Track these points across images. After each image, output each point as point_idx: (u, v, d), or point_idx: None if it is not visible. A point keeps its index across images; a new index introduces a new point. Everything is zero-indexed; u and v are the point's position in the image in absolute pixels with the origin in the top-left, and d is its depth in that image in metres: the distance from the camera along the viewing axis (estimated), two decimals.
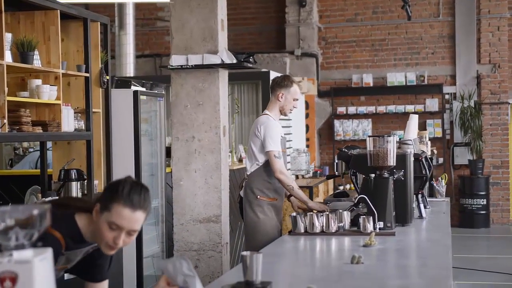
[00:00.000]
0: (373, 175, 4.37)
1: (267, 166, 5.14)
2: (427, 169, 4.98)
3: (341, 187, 12.30)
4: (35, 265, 1.71)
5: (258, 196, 5.15)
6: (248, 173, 5.27)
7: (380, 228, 4.22)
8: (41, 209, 1.76)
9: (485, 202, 12.14)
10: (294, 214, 4.35)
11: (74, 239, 2.65)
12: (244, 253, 2.73)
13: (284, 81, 5.24)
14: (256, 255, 2.73)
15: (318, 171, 10.96)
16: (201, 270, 5.64)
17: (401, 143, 5.10)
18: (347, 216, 4.32)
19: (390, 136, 4.39)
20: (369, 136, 4.42)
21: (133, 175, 6.22)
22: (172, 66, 5.87)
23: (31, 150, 8.47)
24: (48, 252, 1.78)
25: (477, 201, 12.11)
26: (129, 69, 10.50)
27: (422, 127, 12.20)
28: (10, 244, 1.74)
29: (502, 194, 12.48)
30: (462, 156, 12.46)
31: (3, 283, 1.69)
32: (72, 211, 2.69)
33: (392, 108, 12.64)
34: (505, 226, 12.40)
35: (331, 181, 11.12)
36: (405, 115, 12.44)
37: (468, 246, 10.65)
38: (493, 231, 12.03)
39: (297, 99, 5.28)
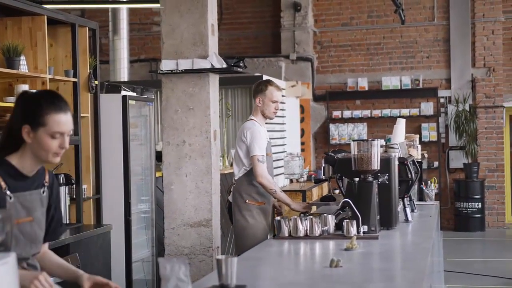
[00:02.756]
0: (357, 179, 4.38)
1: None
2: (412, 173, 4.98)
3: (337, 191, 12.30)
4: None
5: (247, 201, 5.22)
6: (236, 178, 5.34)
7: (364, 232, 4.23)
8: (3, 214, 1.78)
9: (480, 206, 12.14)
10: (278, 218, 4.37)
11: (14, 176, 2.67)
12: (219, 257, 2.75)
13: (259, 86, 5.39)
14: (231, 259, 2.75)
15: (313, 175, 10.97)
16: (192, 274, 5.64)
17: (387, 147, 5.12)
18: (331, 220, 4.32)
19: (374, 140, 4.40)
20: (354, 140, 4.44)
21: (122, 180, 6.28)
22: (162, 70, 5.89)
23: None
24: (11, 257, 1.79)
25: (472, 205, 12.12)
26: (123, 74, 10.53)
27: (417, 131, 12.23)
28: None
29: (497, 197, 12.49)
30: (457, 160, 12.47)
31: None
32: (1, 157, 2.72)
33: (387, 112, 12.66)
34: (500, 229, 12.40)
35: (325, 185, 11.13)
36: (397, 119, 12.41)
37: (463, 249, 10.66)
38: (488, 234, 12.04)
39: (275, 101, 5.35)
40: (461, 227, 12.15)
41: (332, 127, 12.84)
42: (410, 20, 12.56)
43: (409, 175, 4.98)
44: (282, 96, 6.18)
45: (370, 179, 4.39)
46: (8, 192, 2.63)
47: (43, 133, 2.65)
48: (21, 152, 2.70)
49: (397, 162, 4.67)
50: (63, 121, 2.67)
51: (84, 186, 5.65)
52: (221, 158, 8.34)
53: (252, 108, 9.70)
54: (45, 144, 2.66)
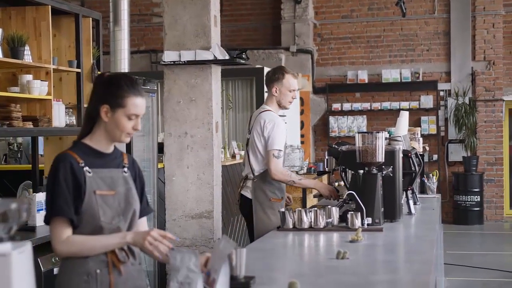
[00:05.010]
0: (361, 171, 4.39)
1: None
2: (416, 165, 4.99)
3: (336, 183, 12.32)
4: (14, 258, 1.73)
5: (271, 199, 5.04)
6: (255, 174, 5.10)
7: (368, 224, 4.24)
8: (19, 203, 1.78)
9: (479, 199, 12.17)
10: (282, 209, 4.37)
11: (90, 154, 2.82)
12: None
13: (275, 74, 5.13)
14: (240, 250, 2.75)
15: (313, 168, 10.97)
16: None
17: (391, 139, 5.12)
18: (335, 212, 4.33)
19: (379, 132, 4.40)
20: (358, 132, 4.43)
21: None
22: (164, 62, 5.89)
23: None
24: (27, 246, 1.80)
25: (471, 198, 12.15)
26: (124, 65, 10.44)
27: (416, 123, 12.23)
28: None
29: (496, 191, 12.51)
30: (457, 153, 12.49)
31: None
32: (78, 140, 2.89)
33: (387, 104, 12.67)
34: (498, 222, 12.44)
35: (325, 177, 11.15)
36: (400, 112, 12.44)
37: (461, 242, 10.68)
38: (486, 227, 12.07)
39: (293, 90, 5.13)
40: (460, 220, 12.17)
41: (331, 119, 12.84)
42: (411, 13, 12.55)
43: (413, 168, 4.98)
44: None
45: (375, 171, 4.39)
46: (86, 168, 2.78)
47: (121, 113, 2.79)
48: (93, 132, 2.85)
49: (401, 155, 4.67)
50: (140, 104, 2.82)
51: None
52: (222, 150, 8.34)
53: (253, 99, 9.77)
54: (121, 125, 2.79)
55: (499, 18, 12.47)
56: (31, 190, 5.42)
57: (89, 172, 2.78)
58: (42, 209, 4.75)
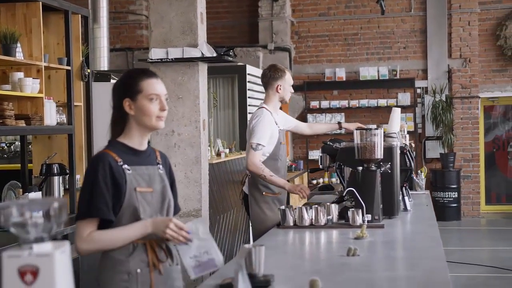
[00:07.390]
0: (360, 168, 4.38)
1: (270, 161, 5.06)
2: (411, 161, 5.01)
3: (314, 181, 12.35)
4: (56, 258, 1.69)
5: (264, 193, 5.10)
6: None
7: (368, 221, 4.24)
8: (60, 202, 1.74)
9: (456, 195, 12.28)
10: (283, 207, 4.35)
11: (127, 152, 2.80)
12: (247, 245, 2.73)
13: (278, 73, 5.23)
14: (259, 247, 2.73)
15: (293, 165, 10.99)
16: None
17: (386, 136, 5.12)
18: (335, 209, 4.32)
19: (377, 129, 4.40)
20: (357, 129, 4.43)
21: None
22: (152, 59, 5.83)
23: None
24: (67, 245, 1.75)
25: (448, 194, 12.25)
26: (103, 63, 10.37)
27: None
28: (30, 237, 1.71)
29: (473, 187, 12.64)
30: (434, 150, 12.59)
31: (24, 276, 1.67)
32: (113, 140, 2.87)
33: (364, 102, 12.71)
34: (475, 218, 12.57)
35: (305, 175, 11.17)
36: (378, 109, 12.55)
37: (441, 238, 10.75)
38: (464, 223, 12.19)
39: (291, 84, 5.33)
40: (437, 217, 12.07)
41: (310, 117, 12.85)
42: (388, 11, 12.59)
43: (408, 164, 5.00)
44: None
45: (374, 168, 4.39)
46: (125, 166, 2.76)
47: (142, 99, 2.78)
48: (125, 131, 2.83)
49: (399, 151, 4.68)
50: (155, 83, 2.81)
51: (77, 176, 5.57)
52: (208, 148, 8.29)
53: (235, 97, 9.73)
54: (146, 109, 2.78)
55: (475, 16, 12.59)
56: (20, 190, 5.32)
57: (129, 170, 2.77)
58: None
